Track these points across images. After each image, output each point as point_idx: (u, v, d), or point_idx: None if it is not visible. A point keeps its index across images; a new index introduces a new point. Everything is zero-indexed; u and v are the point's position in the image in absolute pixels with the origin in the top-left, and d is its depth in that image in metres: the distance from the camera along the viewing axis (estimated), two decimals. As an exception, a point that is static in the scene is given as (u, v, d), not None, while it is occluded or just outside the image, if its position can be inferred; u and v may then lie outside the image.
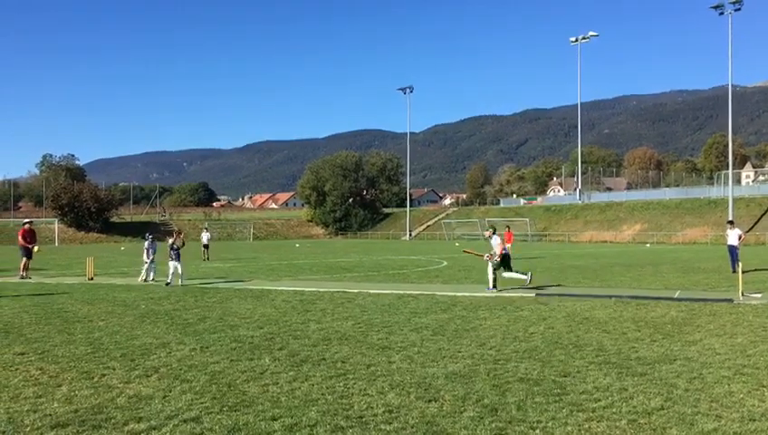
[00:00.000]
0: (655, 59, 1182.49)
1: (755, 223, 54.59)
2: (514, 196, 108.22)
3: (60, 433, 5.37)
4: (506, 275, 16.86)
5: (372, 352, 8.56)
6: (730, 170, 56.04)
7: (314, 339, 9.50)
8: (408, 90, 79.15)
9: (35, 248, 21.53)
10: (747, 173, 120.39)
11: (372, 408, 5.99)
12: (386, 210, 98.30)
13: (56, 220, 73.95)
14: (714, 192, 68.44)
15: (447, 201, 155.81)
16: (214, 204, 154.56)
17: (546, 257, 32.89)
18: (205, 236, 34.27)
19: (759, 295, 14.26)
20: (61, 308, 13.30)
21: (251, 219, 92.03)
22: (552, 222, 71.88)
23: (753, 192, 65.68)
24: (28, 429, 5.46)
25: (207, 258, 32.22)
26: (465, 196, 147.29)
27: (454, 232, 75.50)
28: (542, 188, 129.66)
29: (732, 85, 54.58)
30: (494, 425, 5.47)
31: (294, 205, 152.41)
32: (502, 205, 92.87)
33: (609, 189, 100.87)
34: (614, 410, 5.89)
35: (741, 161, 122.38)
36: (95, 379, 7.17)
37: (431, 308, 12.89)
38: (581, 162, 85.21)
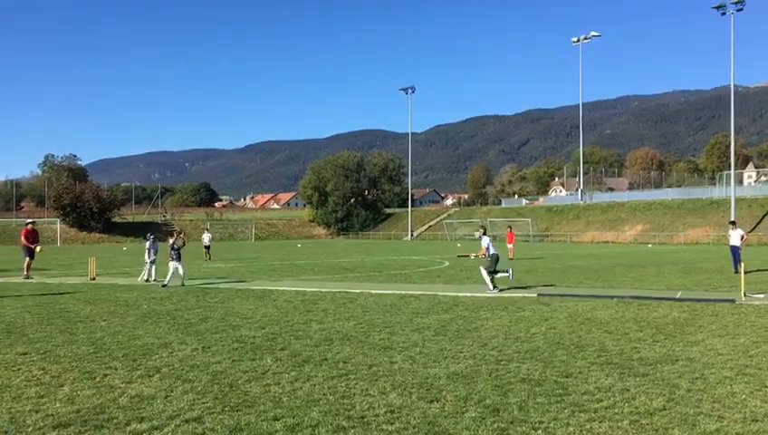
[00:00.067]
0: (657, 59, 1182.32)
1: (757, 223, 54.53)
2: (516, 196, 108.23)
3: (62, 433, 5.38)
4: (485, 275, 16.80)
5: (374, 352, 8.56)
6: (732, 171, 55.97)
7: (316, 339, 9.50)
8: (409, 90, 79.15)
9: (38, 248, 21.55)
10: (749, 173, 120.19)
11: (374, 408, 5.99)
12: (388, 210, 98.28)
13: (58, 220, 74.01)
14: (716, 192, 68.36)
15: (449, 201, 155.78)
16: (216, 204, 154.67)
17: (548, 258, 32.86)
18: (206, 237, 34.35)
19: (761, 296, 14.24)
20: (63, 308, 13.31)
21: (253, 219, 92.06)
22: (553, 222, 71.83)
23: (755, 192, 65.58)
24: (30, 429, 5.47)
25: (209, 259, 32.28)
26: (466, 196, 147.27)
27: (455, 232, 75.47)
28: (543, 188, 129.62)
29: (734, 86, 54.52)
30: (495, 425, 5.47)
31: (296, 205, 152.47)
32: (504, 205, 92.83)
33: (611, 190, 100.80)
34: (616, 410, 5.88)
35: (743, 162, 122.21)
36: (97, 379, 7.18)
37: (433, 308, 12.89)
38: (583, 162, 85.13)
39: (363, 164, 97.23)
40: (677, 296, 14.48)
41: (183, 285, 17.78)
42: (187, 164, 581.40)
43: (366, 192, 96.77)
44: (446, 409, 5.95)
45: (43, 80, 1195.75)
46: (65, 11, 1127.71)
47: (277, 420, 5.65)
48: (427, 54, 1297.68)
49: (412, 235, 79.82)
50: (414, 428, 5.44)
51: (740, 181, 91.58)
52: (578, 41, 75.00)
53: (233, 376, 7.25)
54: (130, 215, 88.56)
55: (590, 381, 6.93)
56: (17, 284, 19.42)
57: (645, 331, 10.00)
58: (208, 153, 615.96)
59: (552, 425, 5.48)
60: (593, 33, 74.53)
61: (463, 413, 5.81)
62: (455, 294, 15.64)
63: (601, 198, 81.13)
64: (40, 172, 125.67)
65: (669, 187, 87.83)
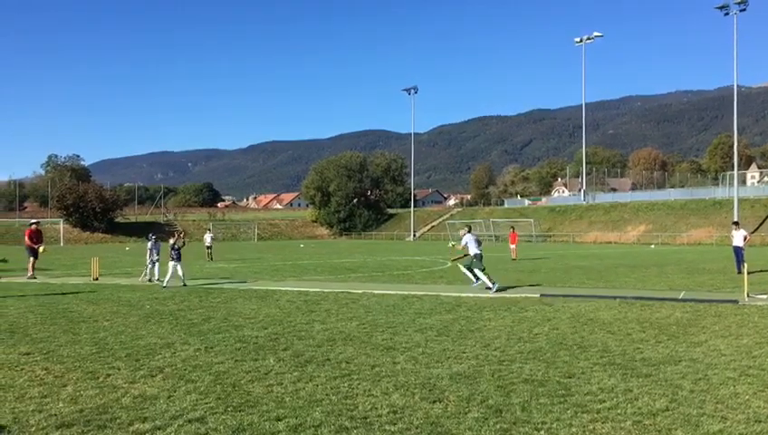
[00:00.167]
0: (660, 59, 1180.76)
1: (760, 224, 54.40)
2: (519, 196, 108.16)
3: (65, 433, 5.39)
4: (464, 270, 17.09)
5: (377, 352, 8.56)
6: (735, 171, 55.85)
7: (319, 339, 9.51)
8: (412, 90, 79.17)
9: (41, 248, 21.59)
10: (752, 174, 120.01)
11: (377, 408, 5.99)
12: (390, 211, 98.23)
13: (61, 220, 74.11)
14: (719, 193, 68.20)
15: (452, 202, 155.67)
16: (218, 204, 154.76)
17: (551, 258, 32.84)
18: (208, 237, 34.44)
19: (764, 296, 14.21)
20: (66, 308, 13.33)
21: (255, 220, 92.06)
22: (556, 223, 71.77)
23: (758, 193, 65.44)
24: (33, 429, 5.48)
25: (211, 259, 32.32)
26: (469, 196, 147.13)
27: (458, 233, 75.37)
28: (546, 188, 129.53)
29: (737, 86, 54.44)
30: (498, 426, 5.47)
31: (299, 205, 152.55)
32: (506, 205, 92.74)
33: (614, 190, 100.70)
34: (619, 411, 5.88)
35: (746, 162, 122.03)
36: (100, 379, 7.19)
37: (435, 309, 12.88)
38: (586, 163, 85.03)
39: (366, 164, 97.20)
40: (680, 297, 14.45)
41: (184, 284, 17.79)
42: (189, 164, 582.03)
43: (369, 192, 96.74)
44: (449, 409, 5.95)
45: (46, 80, 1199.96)
46: (65, 11, 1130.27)
47: (280, 420, 5.66)
48: (430, 55, 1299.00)
49: (415, 235, 79.80)
50: (417, 428, 5.44)
51: (743, 182, 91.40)
52: (581, 41, 74.91)
53: (235, 376, 7.26)
54: (133, 215, 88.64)
55: (593, 381, 6.92)
56: (20, 283, 19.45)
57: (648, 331, 9.99)
58: (211, 153, 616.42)
59: (554, 426, 5.48)
60: (596, 33, 74.44)
61: (465, 414, 5.81)
62: (457, 294, 15.63)
63: (604, 198, 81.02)
64: (43, 172, 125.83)
65: (672, 187, 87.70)
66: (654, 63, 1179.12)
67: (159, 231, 34.13)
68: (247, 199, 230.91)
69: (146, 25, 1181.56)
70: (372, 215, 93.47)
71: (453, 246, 17.54)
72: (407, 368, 7.62)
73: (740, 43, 52.27)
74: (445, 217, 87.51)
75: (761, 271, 21.83)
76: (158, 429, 5.46)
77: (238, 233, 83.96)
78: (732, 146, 71.64)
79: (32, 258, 21.42)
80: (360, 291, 16.25)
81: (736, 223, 24.23)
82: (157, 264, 19.56)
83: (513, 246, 32.52)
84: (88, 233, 75.53)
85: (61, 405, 6.15)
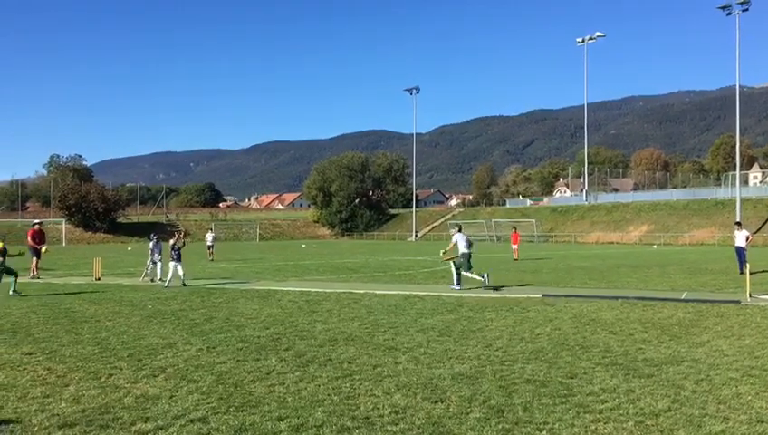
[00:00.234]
0: (662, 59, 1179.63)
1: (763, 224, 54.33)
2: (521, 196, 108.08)
3: (67, 433, 5.39)
4: (453, 268, 17.19)
5: (379, 352, 8.56)
6: (737, 171, 55.81)
7: (321, 340, 9.51)
8: (414, 90, 79.16)
9: (44, 249, 21.61)
10: (755, 174, 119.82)
11: (379, 409, 5.99)
12: (392, 211, 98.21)
13: (63, 220, 74.17)
14: (721, 193, 68.11)
15: (454, 202, 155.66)
16: (220, 204, 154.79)
17: (553, 258, 32.82)
18: (209, 237, 34.52)
19: (767, 297, 14.19)
20: (68, 308, 13.35)
21: (257, 220, 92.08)
22: (558, 223, 71.72)
23: (760, 193, 65.38)
24: (36, 428, 5.49)
25: (212, 258, 32.32)
26: (471, 196, 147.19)
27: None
28: (548, 188, 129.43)
29: (739, 86, 54.38)
30: (500, 426, 5.47)
31: (301, 205, 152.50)
32: (508, 205, 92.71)
33: (616, 190, 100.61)
34: (621, 411, 5.87)
35: (748, 162, 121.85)
36: (102, 379, 7.20)
37: (437, 309, 12.88)
38: (588, 163, 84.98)
39: (368, 164, 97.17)
40: (682, 297, 14.45)
41: (184, 285, 17.78)
42: (191, 164, 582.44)
43: (370, 193, 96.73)
44: (451, 409, 5.96)
45: (47, 80, 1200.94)
46: (65, 11, 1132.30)
47: (282, 420, 5.66)
48: (432, 55, 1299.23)
49: (416, 235, 79.79)
50: (418, 428, 5.44)
51: (745, 182, 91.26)
52: (582, 41, 74.86)
53: (237, 376, 7.26)
54: (135, 215, 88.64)
55: (595, 382, 6.92)
56: (23, 283, 19.45)
57: (650, 332, 9.99)
58: (213, 153, 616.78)
59: (556, 426, 5.47)
60: (598, 33, 74.44)
61: (467, 414, 5.81)
62: (459, 294, 15.63)
63: (606, 198, 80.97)
64: (45, 172, 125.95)
65: (674, 187, 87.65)
66: (656, 63, 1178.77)
67: (161, 231, 34.13)
68: (249, 199, 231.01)
69: (146, 25, 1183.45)
70: (374, 215, 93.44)
71: (444, 252, 17.83)
72: (408, 368, 7.62)
73: (742, 44, 52.20)
74: (447, 217, 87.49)
75: (763, 271, 21.79)
76: (161, 429, 5.47)
77: (240, 233, 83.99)
78: (734, 146, 71.50)
79: (35, 258, 21.44)
80: (361, 291, 16.26)
81: (739, 223, 24.22)
82: (159, 264, 19.58)
83: (515, 247, 32.51)
84: (90, 233, 75.59)
85: (63, 405, 6.16)
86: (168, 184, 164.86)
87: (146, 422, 5.63)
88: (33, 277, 20.74)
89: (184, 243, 19.60)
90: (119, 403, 6.21)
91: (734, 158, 70.63)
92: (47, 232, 26.03)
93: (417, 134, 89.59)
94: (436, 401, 6.20)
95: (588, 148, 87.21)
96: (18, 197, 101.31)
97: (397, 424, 5.55)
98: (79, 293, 16.59)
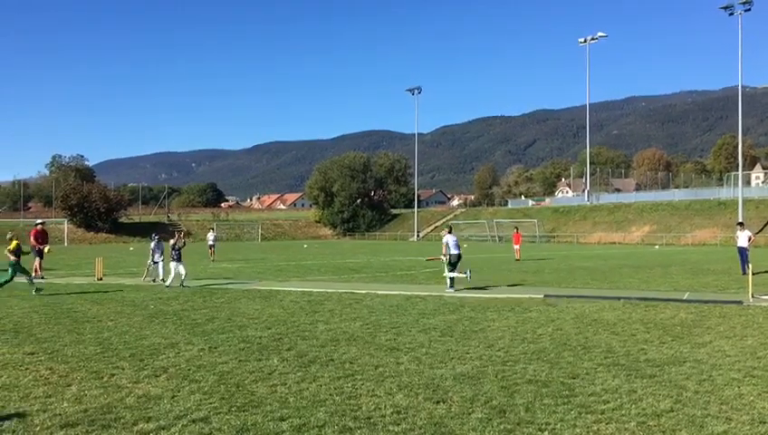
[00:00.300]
0: (664, 60, 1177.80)
1: (765, 224, 54.24)
2: (523, 197, 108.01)
3: (69, 433, 5.40)
4: (451, 274, 17.25)
5: (380, 353, 8.56)
6: (740, 172, 55.73)
7: (322, 340, 9.51)
8: (416, 90, 79.15)
9: (46, 249, 21.63)
10: (757, 174, 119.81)
11: (380, 409, 5.99)
12: (394, 211, 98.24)
13: (65, 220, 74.26)
14: (723, 193, 68.06)
15: (455, 202, 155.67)
16: (222, 204, 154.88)
17: (554, 259, 32.80)
18: (211, 236, 34.52)
19: (769, 297, 14.16)
20: (70, 308, 13.36)
21: (259, 220, 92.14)
22: (560, 223, 71.68)
23: (762, 193, 65.29)
24: (38, 428, 5.49)
25: (213, 259, 32.29)
26: (473, 197, 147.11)
27: (462, 233, 75.38)
28: (550, 189, 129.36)
29: (742, 86, 54.30)
30: (502, 427, 5.46)
31: (302, 206, 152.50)
32: (510, 206, 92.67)
33: (618, 191, 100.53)
34: (623, 412, 5.87)
35: (751, 162, 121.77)
36: (104, 379, 7.21)
37: (439, 309, 12.88)
38: (590, 163, 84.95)
39: (369, 165, 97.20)
40: (685, 298, 14.43)
41: (182, 286, 17.71)
42: (193, 164, 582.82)
43: (372, 193, 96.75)
44: (453, 410, 5.95)
45: (48, 81, 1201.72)
46: (65, 11, 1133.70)
47: (284, 420, 5.66)
48: (433, 55, 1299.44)
49: (418, 235, 79.79)
50: (420, 429, 5.44)
51: (747, 182, 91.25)
52: (584, 41, 74.81)
53: (239, 376, 7.27)
54: (137, 215, 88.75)
55: (597, 382, 6.92)
56: (26, 284, 19.49)
57: (652, 332, 9.98)
58: (215, 154, 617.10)
59: (558, 426, 5.47)
60: (600, 33, 74.36)
61: (469, 414, 5.81)
62: (461, 295, 15.63)
63: (608, 198, 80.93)
64: (47, 172, 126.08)
65: (676, 188, 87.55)
66: (658, 64, 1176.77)
67: (163, 231, 34.17)
68: (251, 200, 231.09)
69: (146, 25, 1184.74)
70: (376, 215, 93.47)
71: (427, 260, 18.21)
72: (410, 368, 7.62)
73: (745, 44, 52.09)
74: (448, 217, 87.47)
75: (765, 272, 21.75)
76: (163, 428, 5.47)
77: (242, 233, 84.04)
78: (736, 146, 71.43)
79: (37, 259, 21.46)
80: (363, 291, 16.26)
81: (741, 224, 24.16)
82: (160, 264, 19.59)
83: (516, 247, 32.50)
84: (92, 233, 75.67)
85: (65, 405, 6.17)
86: (170, 184, 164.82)
87: (148, 422, 5.63)
88: (35, 277, 20.74)
89: (184, 243, 19.62)
90: (121, 403, 6.22)
91: (736, 158, 70.60)
92: (49, 232, 26.06)
93: (418, 134, 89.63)
94: (437, 402, 6.20)
95: (590, 148, 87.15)
96: (20, 197, 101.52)
97: (398, 424, 5.54)
98: (81, 293, 16.61)
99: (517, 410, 5.91)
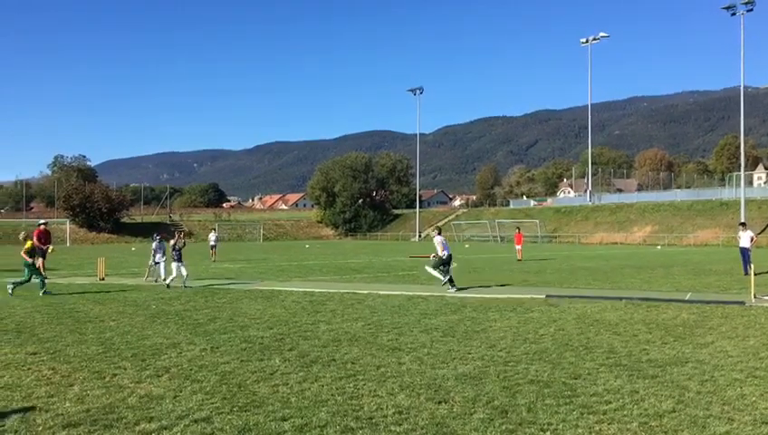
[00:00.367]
0: (666, 60, 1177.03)
1: (767, 225, 54.16)
2: (524, 197, 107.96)
3: (72, 433, 5.41)
4: (432, 270, 17.45)
5: (382, 353, 8.56)
6: (742, 172, 55.61)
7: (324, 340, 9.52)
8: (417, 91, 79.09)
9: (50, 249, 21.65)
10: (759, 175, 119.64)
11: (382, 409, 5.99)
12: (395, 211, 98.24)
13: (68, 221, 74.34)
14: (725, 194, 67.96)
15: (457, 202, 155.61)
16: (224, 205, 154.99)
17: (556, 259, 32.78)
18: (212, 237, 34.46)
19: (771, 298, 14.14)
20: (72, 308, 13.38)
21: (261, 220, 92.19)
22: (562, 223, 71.63)
23: (765, 194, 65.14)
24: (40, 428, 5.50)
25: (215, 259, 32.27)
26: (474, 197, 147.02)
27: (464, 233, 75.41)
28: (552, 189, 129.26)
29: (744, 86, 54.18)
30: (504, 427, 5.46)
31: (304, 206, 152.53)
32: (512, 206, 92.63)
33: (620, 191, 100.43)
34: (625, 412, 5.86)
35: (753, 163, 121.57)
36: (106, 379, 7.21)
37: (441, 310, 12.88)
38: (592, 163, 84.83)
39: (371, 165, 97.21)
40: (687, 298, 14.41)
41: (184, 286, 17.70)
42: (195, 165, 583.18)
43: (374, 193, 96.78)
44: (455, 410, 5.95)
45: (51, 81, 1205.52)
46: (65, 11, 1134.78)
47: (285, 420, 5.67)
48: (435, 55, 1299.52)
49: (420, 236, 79.77)
50: (422, 429, 5.44)
51: (750, 182, 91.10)
52: (586, 41, 74.74)
53: (241, 376, 7.27)
54: (139, 215, 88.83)
55: (599, 382, 6.91)
56: (28, 284, 19.50)
57: (654, 332, 9.97)
58: (217, 154, 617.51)
59: (560, 427, 5.47)
60: (602, 33, 74.26)
61: (471, 414, 5.81)
62: (462, 295, 15.63)
63: (610, 199, 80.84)
64: (50, 173, 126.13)
65: (678, 188, 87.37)
66: (660, 64, 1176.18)
67: (165, 231, 34.20)
68: (253, 200, 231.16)
69: (147, 25, 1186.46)
70: (377, 215, 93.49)
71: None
72: (412, 369, 7.62)
73: (747, 44, 52.02)
74: (450, 217, 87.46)
75: (767, 272, 21.75)
76: (165, 428, 5.48)
77: (244, 233, 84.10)
78: (738, 147, 71.34)
79: (40, 259, 21.45)
80: (365, 291, 16.26)
81: (743, 224, 24.13)
82: (162, 264, 19.61)
83: (518, 247, 32.48)
84: (94, 233, 75.78)
85: (67, 405, 6.17)
86: (172, 184, 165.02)
87: (150, 422, 5.64)
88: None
89: (184, 243, 19.63)
90: (123, 403, 6.22)
91: (738, 158, 70.49)
92: (52, 232, 26.05)
93: (420, 134, 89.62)
94: (439, 402, 6.20)
95: (592, 148, 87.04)
96: (23, 197, 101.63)
97: (400, 424, 5.54)
98: (83, 293, 16.63)
99: (519, 411, 5.90)
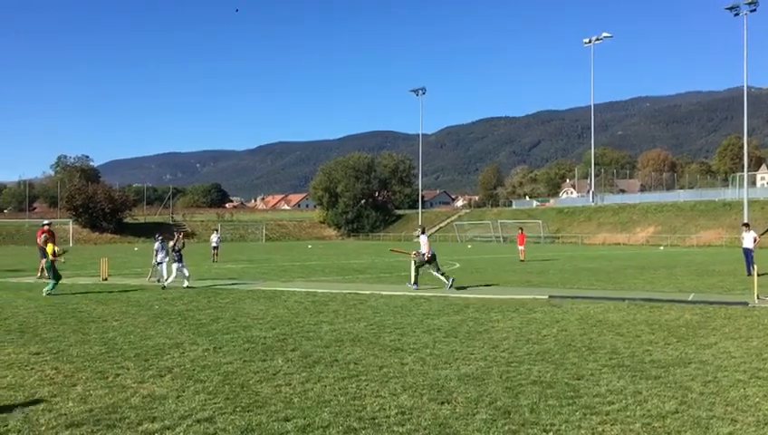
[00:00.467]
0: (669, 60, 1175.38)
1: (771, 226, 54.06)
2: (527, 197, 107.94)
3: (75, 432, 5.41)
4: (434, 274, 17.97)
5: (385, 353, 8.56)
6: (745, 172, 55.52)
7: (327, 340, 9.52)
8: (420, 91, 79.10)
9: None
10: (762, 175, 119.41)
11: (385, 409, 5.99)
12: (398, 212, 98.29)
13: (71, 221, 74.51)
14: (728, 194, 67.86)
15: (460, 203, 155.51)
16: (226, 205, 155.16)
17: (559, 259, 32.75)
18: (214, 238, 34.32)
19: (775, 299, 14.11)
20: (75, 308, 13.40)
21: (263, 220, 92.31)
22: (564, 224, 71.59)
23: (768, 194, 65.12)
24: (43, 428, 5.51)
25: (216, 260, 32.21)
26: (477, 197, 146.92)
27: (466, 234, 75.42)
28: (554, 189, 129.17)
29: (747, 87, 54.12)
30: (506, 428, 5.46)
31: (307, 206, 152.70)
32: (514, 206, 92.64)
33: (623, 191, 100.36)
34: (628, 413, 5.85)
35: (756, 163, 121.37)
36: (109, 379, 7.22)
37: (443, 310, 12.87)
38: (594, 164, 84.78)
39: (374, 165, 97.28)
40: (690, 299, 14.38)
41: (186, 287, 17.66)
42: (198, 165, 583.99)
43: (376, 193, 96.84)
44: (457, 410, 5.95)
45: (53, 81, 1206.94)
46: (65, 11, 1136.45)
47: (288, 420, 5.67)
48: (438, 56, 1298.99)
49: (422, 236, 79.73)
50: (425, 429, 5.43)
51: (753, 183, 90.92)
52: (589, 42, 74.74)
53: (244, 377, 7.27)
54: (142, 215, 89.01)
55: (602, 383, 6.90)
56: (30, 284, 19.57)
57: (657, 333, 9.95)
58: (219, 154, 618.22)
59: (563, 427, 5.46)
60: (605, 33, 74.27)
61: (474, 415, 5.80)
62: (465, 295, 15.62)
63: (613, 199, 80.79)
64: (52, 173, 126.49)
65: (681, 188, 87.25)
66: (663, 64, 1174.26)
67: (168, 232, 34.22)
68: (255, 200, 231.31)
69: (148, 25, 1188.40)
70: (380, 216, 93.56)
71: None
72: (415, 369, 7.62)
73: (750, 44, 52.06)
74: (453, 218, 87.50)
75: (771, 273, 21.70)
76: (167, 428, 5.48)
77: (246, 234, 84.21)
78: (742, 147, 71.25)
79: (43, 259, 21.49)
80: (367, 292, 16.27)
81: (746, 224, 24.08)
82: (164, 264, 19.62)
83: (521, 248, 32.47)
84: (97, 233, 75.95)
85: (70, 404, 6.18)
86: (175, 185, 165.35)
87: (153, 422, 5.64)
88: (39, 277, 20.82)
89: (184, 244, 19.64)
90: (126, 403, 6.23)
91: (741, 159, 70.40)
92: (55, 232, 26.10)
93: (422, 135, 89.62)
94: (442, 402, 6.20)
95: (594, 149, 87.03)
96: (26, 197, 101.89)
97: (403, 425, 5.54)
98: (86, 293, 16.66)
99: (522, 411, 5.90)
